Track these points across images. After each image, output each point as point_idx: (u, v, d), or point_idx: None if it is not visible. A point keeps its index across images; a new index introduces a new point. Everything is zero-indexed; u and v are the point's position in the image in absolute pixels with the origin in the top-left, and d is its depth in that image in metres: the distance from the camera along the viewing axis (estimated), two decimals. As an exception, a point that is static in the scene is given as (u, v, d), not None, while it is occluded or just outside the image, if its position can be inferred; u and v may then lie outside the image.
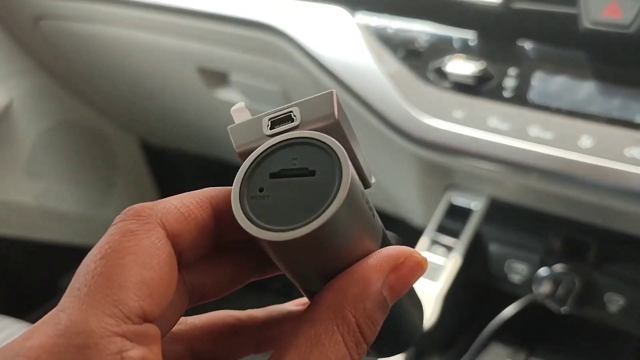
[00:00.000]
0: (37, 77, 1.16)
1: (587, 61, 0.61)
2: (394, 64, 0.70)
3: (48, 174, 1.22)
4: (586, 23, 0.57)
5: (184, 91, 1.04)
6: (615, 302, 0.73)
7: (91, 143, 1.31)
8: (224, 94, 0.98)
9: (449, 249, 0.79)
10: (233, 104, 0.92)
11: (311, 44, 0.75)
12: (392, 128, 0.71)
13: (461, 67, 0.66)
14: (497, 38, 0.66)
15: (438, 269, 0.77)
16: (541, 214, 0.79)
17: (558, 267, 0.75)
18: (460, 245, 0.78)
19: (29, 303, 1.21)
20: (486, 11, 0.65)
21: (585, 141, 0.61)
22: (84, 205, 1.30)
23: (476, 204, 0.82)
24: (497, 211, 0.81)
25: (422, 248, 0.81)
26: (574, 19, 0.59)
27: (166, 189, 1.51)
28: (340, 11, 0.74)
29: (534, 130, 0.63)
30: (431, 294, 0.76)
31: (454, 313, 0.79)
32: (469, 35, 0.67)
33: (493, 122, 0.65)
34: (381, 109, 0.71)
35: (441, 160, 0.71)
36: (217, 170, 1.44)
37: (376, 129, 0.73)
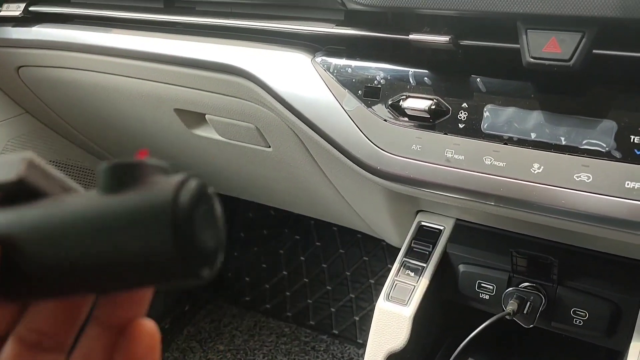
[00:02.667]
0: (24, 122, 1.20)
1: (533, 92, 0.65)
2: (354, 102, 0.73)
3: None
4: (528, 58, 0.61)
5: (164, 130, 1.08)
6: (580, 316, 0.76)
7: (79, 180, 1.34)
8: (202, 131, 1.02)
9: (419, 272, 0.82)
10: (212, 140, 0.97)
11: (277, 86, 0.78)
12: (356, 162, 0.74)
13: (417, 102, 0.69)
14: (449, 73, 0.69)
15: (409, 292, 0.81)
16: (506, 235, 0.83)
17: (525, 285, 0.79)
18: (429, 267, 0.81)
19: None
20: (437, 49, 0.68)
21: (537, 168, 0.64)
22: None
23: (444, 227, 0.85)
24: (465, 233, 0.85)
25: (395, 272, 0.84)
26: (518, 53, 0.63)
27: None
28: (301, 55, 0.77)
29: (488, 160, 0.66)
30: (403, 315, 0.79)
31: (427, 333, 0.82)
32: (423, 72, 0.70)
33: (450, 153, 0.68)
34: (344, 144, 0.75)
35: (405, 190, 0.74)
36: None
37: (343, 162, 0.77)
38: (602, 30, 0.58)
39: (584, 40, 0.58)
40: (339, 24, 0.76)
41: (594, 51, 0.59)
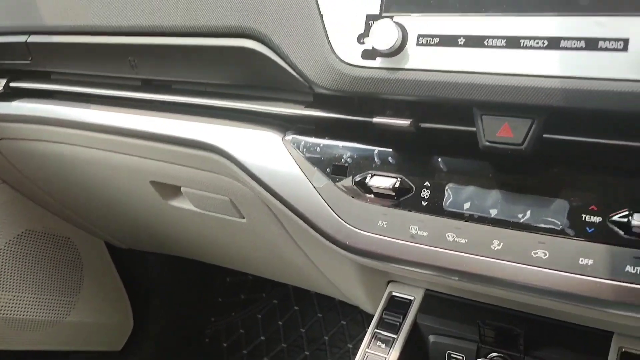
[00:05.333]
0: (1, 192, 1.21)
1: (491, 172, 0.68)
2: (323, 179, 0.76)
3: (13, 284, 1.25)
4: (484, 142, 0.64)
5: (140, 200, 1.10)
6: (547, 387, 0.78)
7: (55, 248, 1.34)
8: (178, 202, 1.04)
9: (390, 343, 0.83)
10: (188, 211, 0.99)
11: (249, 163, 0.81)
12: (326, 237, 0.76)
13: (382, 181, 0.72)
14: (412, 153, 0.73)
15: (381, 366, 0.82)
16: (474, 305, 0.84)
17: (493, 356, 0.80)
18: (399, 339, 0.83)
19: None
20: (399, 131, 0.72)
21: (496, 245, 0.67)
22: (50, 311, 1.32)
23: (415, 298, 0.87)
24: (434, 304, 0.87)
25: (367, 344, 0.85)
26: (476, 135, 0.66)
27: (134, 287, 1.54)
28: (272, 134, 0.81)
29: (450, 237, 0.69)
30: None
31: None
32: (388, 151, 0.74)
33: (414, 230, 0.71)
34: (314, 220, 0.77)
35: (373, 264, 0.76)
36: (183, 267, 1.48)
37: (314, 236, 0.79)
38: (550, 116, 0.62)
39: (534, 126, 0.62)
40: (309, 105, 0.80)
41: (545, 135, 0.63)
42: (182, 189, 0.98)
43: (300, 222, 0.79)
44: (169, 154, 0.92)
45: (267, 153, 0.81)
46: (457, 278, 0.70)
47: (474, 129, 0.66)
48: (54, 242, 1.33)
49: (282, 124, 0.83)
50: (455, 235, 0.69)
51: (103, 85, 0.97)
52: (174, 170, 0.95)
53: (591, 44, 0.57)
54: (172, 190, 1.02)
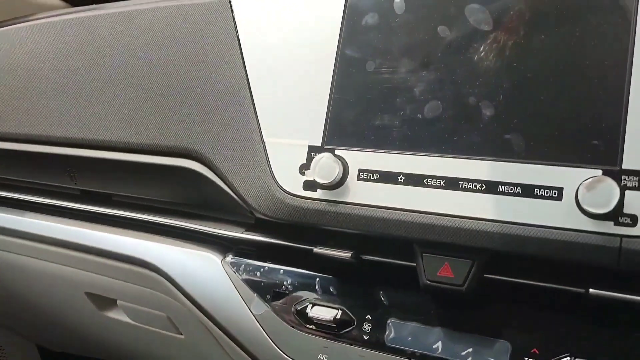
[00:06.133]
0: None
1: (434, 309, 0.67)
2: (262, 306, 0.73)
3: None
4: (425, 280, 0.63)
5: (74, 310, 1.04)
6: None
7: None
8: (114, 314, 0.98)
9: None
10: (123, 322, 0.92)
11: (186, 284, 0.78)
12: (264, 369, 0.73)
13: (323, 311, 0.70)
14: (354, 284, 0.71)
15: None
16: None
17: None
18: None
19: None
20: (341, 262, 0.70)
21: (440, 386, 0.64)
22: None
23: None
24: None
25: None
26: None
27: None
28: (212, 255, 0.78)
29: (393, 375, 0.66)
30: None
31: None
32: (329, 281, 0.72)
33: (355, 366, 0.68)
34: (252, 349, 0.74)
35: (313, 399, 0.72)
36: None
37: (252, 366, 0.75)
38: (491, 258, 0.61)
39: (474, 267, 0.61)
40: (250, 227, 0.78)
41: (486, 275, 0.62)
42: (118, 302, 0.93)
43: (238, 350, 0.75)
44: (106, 268, 0.88)
45: (205, 274, 0.78)
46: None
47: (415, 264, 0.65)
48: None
49: (223, 243, 0.80)
50: (397, 374, 0.66)
51: (40, 193, 0.94)
52: (110, 284, 0.90)
53: (527, 190, 0.58)
54: (108, 302, 0.97)
